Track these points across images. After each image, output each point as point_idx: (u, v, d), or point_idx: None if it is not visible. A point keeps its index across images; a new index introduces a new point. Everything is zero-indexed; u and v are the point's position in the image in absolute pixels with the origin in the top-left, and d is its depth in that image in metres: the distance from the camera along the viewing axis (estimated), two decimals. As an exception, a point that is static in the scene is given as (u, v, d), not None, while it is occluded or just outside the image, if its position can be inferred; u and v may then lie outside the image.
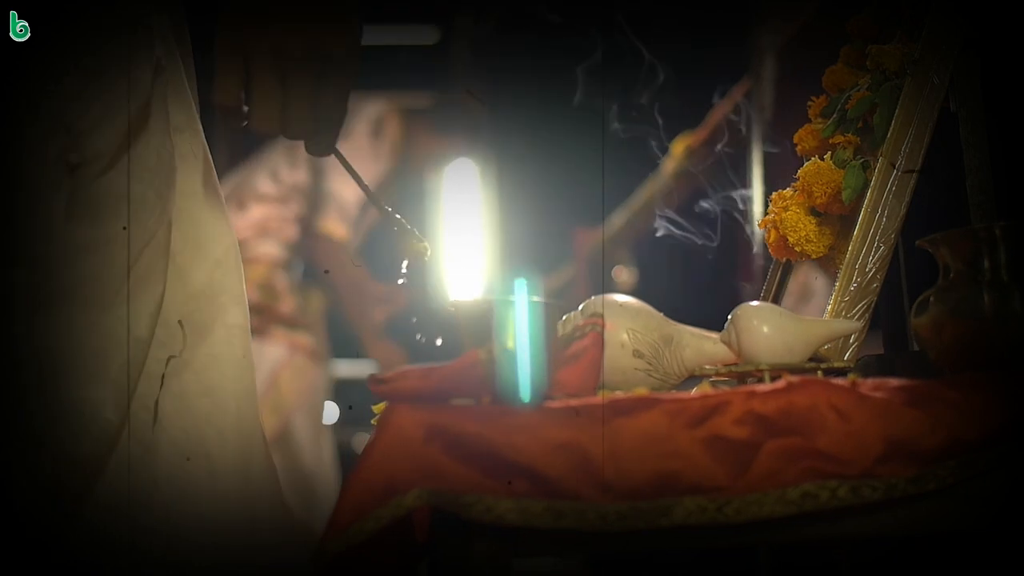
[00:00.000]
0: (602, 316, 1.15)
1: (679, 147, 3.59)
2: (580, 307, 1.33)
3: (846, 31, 1.58)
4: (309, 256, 3.94)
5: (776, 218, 1.40)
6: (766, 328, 1.17)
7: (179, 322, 1.15)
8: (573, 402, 1.03)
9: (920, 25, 1.38)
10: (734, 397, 1.03)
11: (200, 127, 1.23)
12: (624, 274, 4.87)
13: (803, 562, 2.22)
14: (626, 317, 1.37)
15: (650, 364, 1.36)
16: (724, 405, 1.02)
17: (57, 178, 1.09)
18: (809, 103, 1.53)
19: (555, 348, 1.11)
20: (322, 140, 1.15)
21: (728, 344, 1.21)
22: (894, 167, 1.28)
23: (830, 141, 1.39)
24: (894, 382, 1.07)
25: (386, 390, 1.03)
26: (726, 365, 1.22)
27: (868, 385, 1.06)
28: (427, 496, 0.97)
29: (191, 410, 1.15)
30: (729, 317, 1.21)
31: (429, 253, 1.20)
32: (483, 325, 1.08)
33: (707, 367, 1.24)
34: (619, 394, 1.07)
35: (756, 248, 2.56)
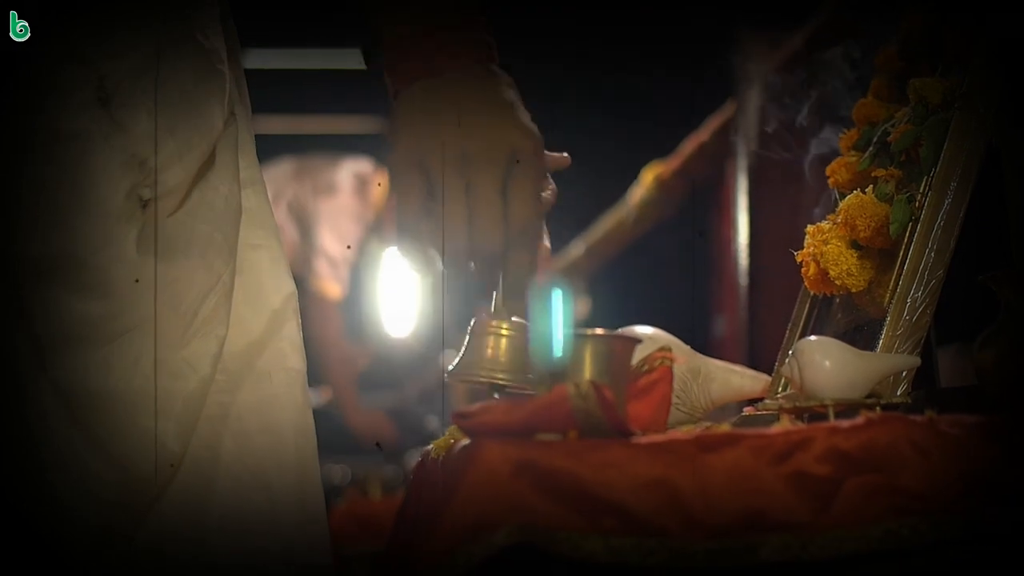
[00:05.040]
0: (671, 350, 1.14)
1: (648, 176, 3.59)
2: None
3: (873, 64, 1.59)
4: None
5: (816, 252, 1.39)
6: (828, 363, 1.17)
7: (239, 368, 1.18)
8: (660, 438, 1.02)
9: (959, 59, 1.39)
10: (816, 433, 1.02)
11: (264, 184, 1.25)
12: (580, 305, 4.87)
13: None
14: (654, 350, 1.37)
15: (678, 397, 1.36)
16: (807, 442, 1.02)
17: (130, 212, 1.10)
18: (840, 135, 1.54)
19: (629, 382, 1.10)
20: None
21: (790, 379, 1.20)
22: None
23: (872, 174, 1.40)
24: (969, 418, 1.07)
25: (471, 425, 1.01)
26: (789, 399, 1.21)
27: (945, 421, 1.05)
28: (517, 533, 0.95)
29: (253, 448, 1.17)
30: (791, 351, 1.21)
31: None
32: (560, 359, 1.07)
33: (768, 402, 1.23)
34: (698, 430, 1.06)
35: (742, 279, 2.57)
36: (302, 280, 4.18)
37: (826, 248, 1.38)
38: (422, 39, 1.12)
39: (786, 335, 1.53)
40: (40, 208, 1.08)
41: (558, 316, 1.09)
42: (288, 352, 1.22)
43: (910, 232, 1.31)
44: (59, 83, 1.09)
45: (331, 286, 4.36)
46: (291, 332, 1.23)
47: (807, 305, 1.52)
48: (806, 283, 1.45)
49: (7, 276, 1.08)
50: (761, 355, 2.78)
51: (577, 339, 1.07)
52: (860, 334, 1.37)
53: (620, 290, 5.03)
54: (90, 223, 1.09)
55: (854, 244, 1.37)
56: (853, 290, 1.37)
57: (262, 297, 1.21)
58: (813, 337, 1.21)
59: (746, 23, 2.58)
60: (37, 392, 1.08)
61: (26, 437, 1.09)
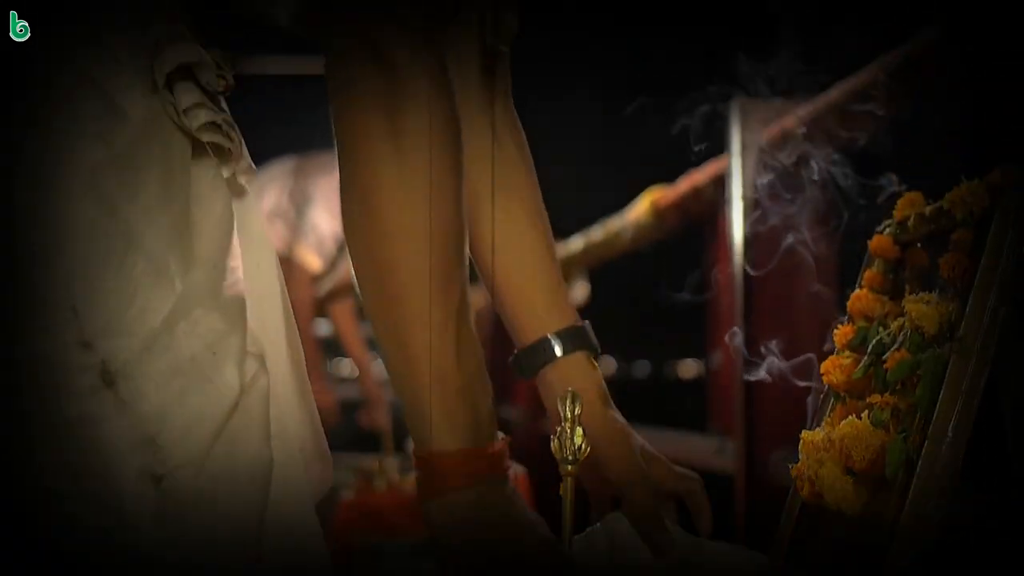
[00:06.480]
0: None
1: (646, 200, 3.53)
2: None
3: (868, 250, 1.55)
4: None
5: (811, 473, 1.38)
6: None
7: None
8: None
9: (954, 283, 1.35)
10: None
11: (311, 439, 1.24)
12: (579, 289, 4.85)
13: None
14: None
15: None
16: None
17: (142, 492, 1.08)
18: (835, 330, 1.51)
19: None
20: None
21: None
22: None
23: (867, 400, 1.38)
24: None
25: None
26: None
27: None
28: None
29: None
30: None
31: None
32: None
33: None
34: None
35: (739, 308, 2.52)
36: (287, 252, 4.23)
37: (821, 471, 1.36)
38: None
39: (778, 531, 1.52)
40: (49, 497, 1.07)
41: None
42: None
43: (906, 470, 1.29)
44: (62, 370, 1.07)
45: (311, 258, 4.42)
46: None
47: (797, 507, 1.50)
48: (801, 494, 1.43)
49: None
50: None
51: None
52: (853, 557, 1.36)
53: (620, 280, 5.02)
54: (95, 509, 1.07)
55: (849, 470, 1.36)
56: (848, 513, 1.36)
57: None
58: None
59: (746, 90, 2.52)
60: None
61: None
